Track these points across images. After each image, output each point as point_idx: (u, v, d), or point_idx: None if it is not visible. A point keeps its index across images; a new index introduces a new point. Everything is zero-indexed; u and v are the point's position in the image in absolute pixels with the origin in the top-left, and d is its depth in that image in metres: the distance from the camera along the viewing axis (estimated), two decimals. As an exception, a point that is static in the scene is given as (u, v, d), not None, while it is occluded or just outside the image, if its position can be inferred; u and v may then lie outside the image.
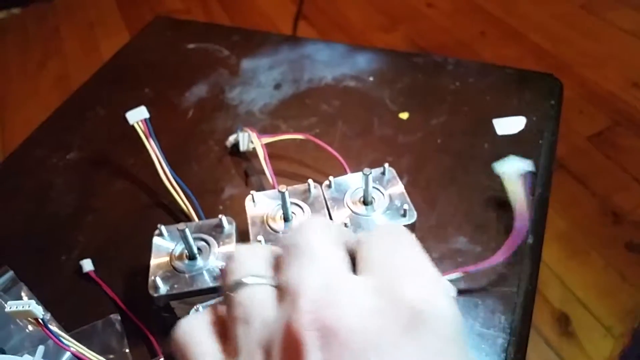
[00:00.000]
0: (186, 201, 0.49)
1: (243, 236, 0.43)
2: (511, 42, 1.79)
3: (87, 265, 0.46)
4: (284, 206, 0.42)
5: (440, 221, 0.47)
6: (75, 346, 0.34)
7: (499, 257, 0.40)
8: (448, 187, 0.51)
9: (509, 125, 0.55)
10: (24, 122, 1.67)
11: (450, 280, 0.41)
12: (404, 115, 0.58)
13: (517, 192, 0.39)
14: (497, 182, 0.50)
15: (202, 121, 0.61)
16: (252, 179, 0.53)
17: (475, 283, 0.42)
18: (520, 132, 0.55)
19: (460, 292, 0.42)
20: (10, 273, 0.46)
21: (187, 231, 0.39)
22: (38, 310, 0.32)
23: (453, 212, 0.48)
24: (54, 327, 0.34)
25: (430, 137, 0.55)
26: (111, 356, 0.40)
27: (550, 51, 1.72)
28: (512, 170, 0.40)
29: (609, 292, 1.18)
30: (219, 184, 0.53)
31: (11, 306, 0.32)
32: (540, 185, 0.50)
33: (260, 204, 0.44)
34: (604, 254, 1.23)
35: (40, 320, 0.33)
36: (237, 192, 0.52)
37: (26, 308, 0.32)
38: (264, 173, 0.49)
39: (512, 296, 0.42)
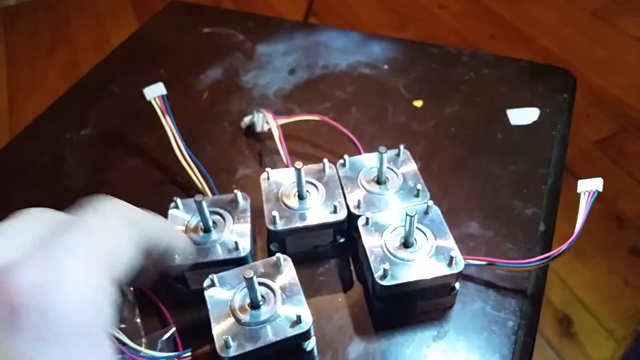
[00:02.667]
0: (201, 178, 0.49)
1: (257, 213, 0.43)
2: (520, 45, 1.79)
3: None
4: (299, 184, 0.43)
5: (452, 206, 0.47)
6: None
7: (533, 260, 0.40)
8: (461, 174, 0.51)
9: (522, 116, 0.55)
10: (33, 110, 1.68)
11: (473, 265, 0.41)
12: (418, 103, 0.58)
13: (580, 208, 0.39)
14: (510, 170, 0.51)
15: (216, 103, 0.61)
16: (266, 159, 0.54)
17: (487, 267, 0.42)
18: (533, 123, 0.55)
19: (469, 276, 0.42)
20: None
21: (204, 203, 0.40)
22: None
23: (465, 198, 0.49)
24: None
25: (444, 125, 0.56)
26: (123, 326, 0.41)
27: (559, 55, 1.73)
28: (585, 188, 0.40)
29: (611, 296, 1.18)
30: (233, 163, 0.54)
31: None
32: (552, 175, 0.50)
33: (275, 182, 0.45)
34: (607, 257, 1.23)
35: None
36: (250, 172, 0.52)
37: None
38: (278, 154, 0.49)
39: (523, 281, 0.42)
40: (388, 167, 0.44)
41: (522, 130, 0.54)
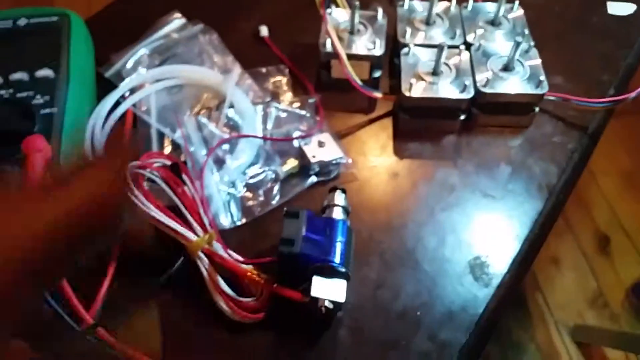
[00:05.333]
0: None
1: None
2: None
3: (264, 30, 0.60)
4: (430, 9, 0.54)
5: (543, 63, 0.58)
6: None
7: (602, 100, 0.51)
8: (555, 44, 0.60)
9: (620, 8, 0.64)
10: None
11: (552, 100, 0.52)
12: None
13: None
14: (597, 46, 0.60)
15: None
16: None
17: (562, 104, 0.53)
18: (627, 16, 0.64)
19: (547, 110, 0.54)
20: (202, 25, 0.59)
21: (357, 11, 0.52)
22: None
23: (556, 59, 0.58)
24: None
25: (548, 3, 0.65)
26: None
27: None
28: None
29: (653, 228, 1.27)
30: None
31: None
32: (632, 57, 0.60)
33: (409, 6, 0.56)
34: (659, 195, 1.31)
35: None
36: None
37: None
38: None
39: (589, 120, 0.53)
40: (502, 15, 0.55)
41: (616, 19, 0.63)
